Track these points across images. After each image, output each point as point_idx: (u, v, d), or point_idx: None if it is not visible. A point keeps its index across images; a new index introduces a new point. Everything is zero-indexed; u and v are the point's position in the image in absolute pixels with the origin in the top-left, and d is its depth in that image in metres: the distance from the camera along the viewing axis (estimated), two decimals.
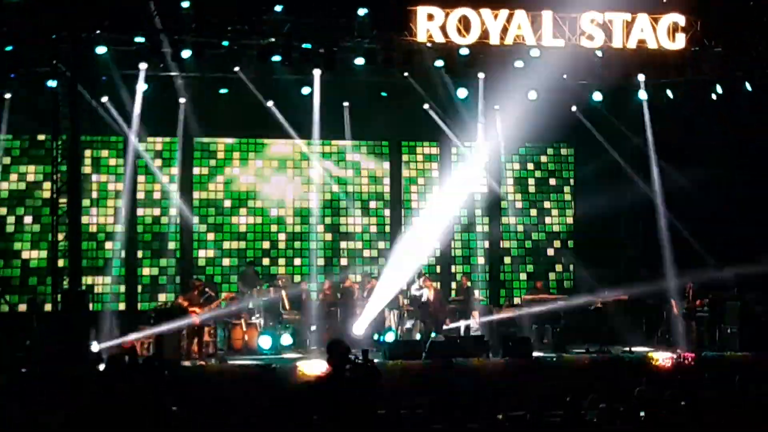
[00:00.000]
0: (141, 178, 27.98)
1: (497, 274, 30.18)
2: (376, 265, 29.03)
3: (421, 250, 27.31)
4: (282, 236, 28.91)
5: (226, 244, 28.52)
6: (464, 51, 24.33)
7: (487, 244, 30.17)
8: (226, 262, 28.44)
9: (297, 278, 27.80)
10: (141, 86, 25.18)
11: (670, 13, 24.49)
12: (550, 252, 30.66)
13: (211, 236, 28.44)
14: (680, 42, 24.54)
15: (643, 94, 26.89)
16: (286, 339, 24.82)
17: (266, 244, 28.81)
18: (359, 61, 24.72)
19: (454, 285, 28.79)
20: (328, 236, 29.22)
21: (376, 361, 19.47)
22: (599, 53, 24.88)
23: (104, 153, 27.74)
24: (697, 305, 25.42)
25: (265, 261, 28.61)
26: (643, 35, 24.36)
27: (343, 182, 29.40)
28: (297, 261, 28.80)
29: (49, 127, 23.71)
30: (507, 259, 30.37)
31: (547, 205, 30.82)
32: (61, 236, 22.88)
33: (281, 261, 28.74)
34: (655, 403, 18.63)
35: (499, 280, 30.19)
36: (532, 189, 30.72)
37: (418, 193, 30.03)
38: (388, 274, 26.12)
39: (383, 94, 27.36)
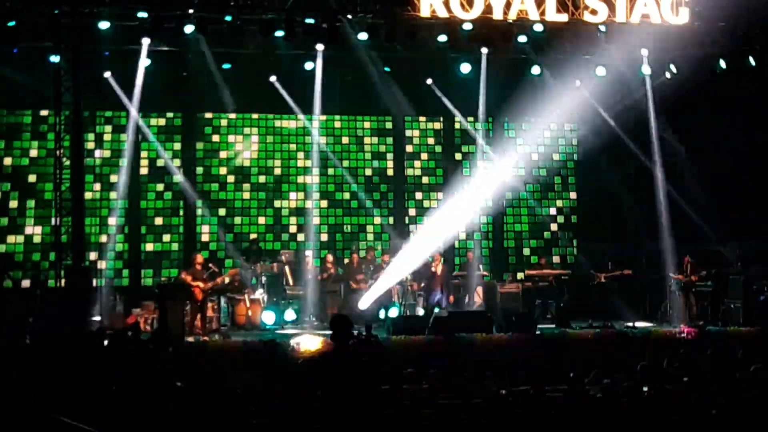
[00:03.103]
0: (144, 154, 27.99)
1: (500, 250, 30.18)
2: (380, 240, 29.07)
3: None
4: (285, 212, 28.91)
5: (229, 220, 28.53)
6: (467, 26, 24.25)
7: (490, 218, 30.16)
8: (229, 237, 28.45)
9: (300, 253, 27.80)
10: (143, 61, 25.17)
11: None
12: (554, 227, 30.67)
13: (214, 211, 28.46)
14: (684, 16, 24.47)
15: (646, 69, 26.82)
16: (290, 314, 24.85)
17: (269, 220, 28.82)
18: (362, 36, 24.65)
19: (457, 260, 28.82)
20: (331, 211, 29.23)
21: (379, 336, 19.55)
22: (603, 28, 24.79)
23: (107, 128, 27.72)
24: (693, 279, 25.42)
25: (268, 236, 28.62)
26: (647, 9, 24.29)
27: (345, 158, 29.36)
28: (300, 236, 28.80)
29: (52, 103, 23.67)
30: (510, 235, 30.37)
31: (550, 179, 30.80)
32: (64, 212, 22.89)
33: (284, 236, 28.74)
34: (659, 377, 18.66)
35: (502, 255, 30.20)
36: (535, 164, 30.67)
37: (421, 169, 30.03)
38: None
39: (386, 69, 27.26)
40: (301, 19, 24.01)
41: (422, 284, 25.89)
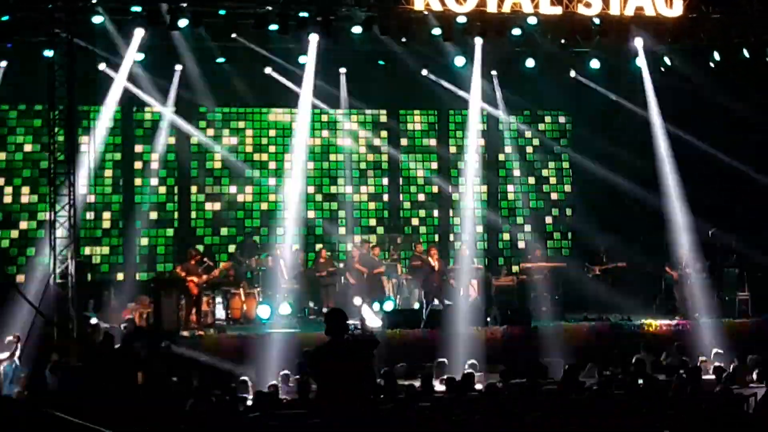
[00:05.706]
0: (138, 148, 27.96)
1: (495, 242, 30.17)
2: (375, 233, 29.05)
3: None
4: (280, 205, 28.85)
5: (224, 214, 28.51)
6: (461, 19, 24.17)
7: (485, 211, 30.14)
8: (224, 231, 28.43)
9: (295, 247, 27.79)
10: (138, 55, 25.12)
11: None
12: (548, 219, 30.68)
13: (209, 206, 28.45)
14: (678, 8, 24.40)
15: (640, 61, 26.80)
16: (285, 308, 24.81)
17: (264, 213, 28.79)
18: (357, 29, 24.59)
19: (452, 253, 28.81)
20: (326, 205, 29.21)
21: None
22: (597, 20, 24.75)
23: (101, 123, 27.61)
24: (687, 272, 25.41)
25: (263, 230, 28.59)
26: (641, 2, 24.18)
27: (340, 151, 29.35)
28: (295, 230, 28.76)
29: (46, 97, 23.62)
30: (505, 227, 30.34)
31: (545, 172, 30.79)
32: (58, 206, 22.85)
33: (279, 230, 28.69)
34: (654, 370, 18.70)
35: (497, 248, 30.19)
36: (530, 156, 30.68)
37: (416, 162, 30.02)
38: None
39: (381, 62, 27.24)
40: (295, 12, 23.95)
41: (421, 279, 25.77)
